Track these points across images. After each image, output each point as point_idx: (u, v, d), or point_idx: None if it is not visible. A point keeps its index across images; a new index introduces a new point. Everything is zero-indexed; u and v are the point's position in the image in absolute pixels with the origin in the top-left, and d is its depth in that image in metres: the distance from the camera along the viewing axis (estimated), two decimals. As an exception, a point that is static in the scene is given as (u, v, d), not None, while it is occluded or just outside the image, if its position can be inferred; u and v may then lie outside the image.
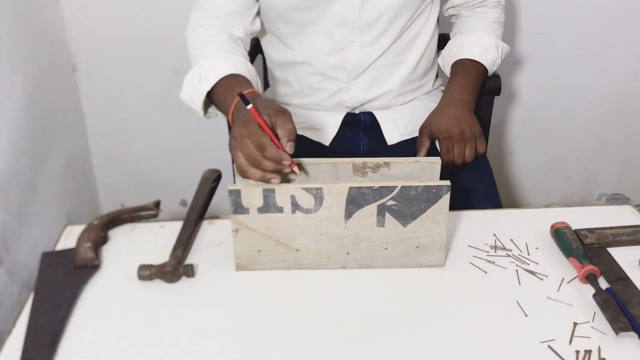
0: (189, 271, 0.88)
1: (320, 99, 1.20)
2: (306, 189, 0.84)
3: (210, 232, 1.00)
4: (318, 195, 0.85)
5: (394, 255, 0.89)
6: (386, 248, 0.88)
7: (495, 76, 1.26)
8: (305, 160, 0.91)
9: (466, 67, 1.17)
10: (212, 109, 1.07)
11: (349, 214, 0.86)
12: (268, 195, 0.85)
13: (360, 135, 1.22)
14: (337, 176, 0.91)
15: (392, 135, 1.20)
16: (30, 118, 1.42)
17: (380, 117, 1.20)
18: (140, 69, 1.73)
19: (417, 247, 0.88)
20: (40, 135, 1.48)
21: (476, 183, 1.14)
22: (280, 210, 0.86)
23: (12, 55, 1.35)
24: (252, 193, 0.85)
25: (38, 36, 1.51)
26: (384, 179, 0.92)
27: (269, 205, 0.86)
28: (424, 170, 0.91)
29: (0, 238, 1.24)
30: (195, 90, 1.01)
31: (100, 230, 0.96)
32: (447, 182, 0.84)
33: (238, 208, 0.86)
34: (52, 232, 1.50)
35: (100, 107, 1.78)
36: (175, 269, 0.88)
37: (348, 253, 0.89)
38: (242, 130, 0.84)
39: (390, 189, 0.83)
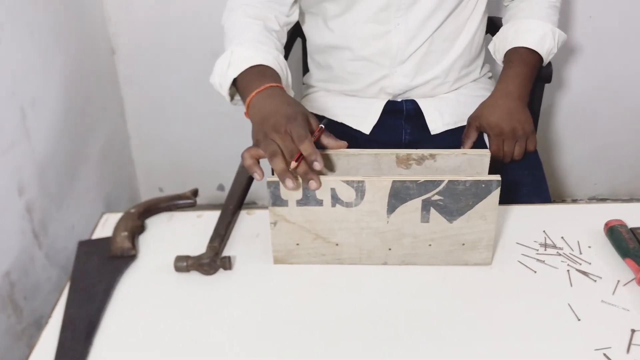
0: (226, 264, 0.86)
1: (361, 85, 1.16)
2: (347, 182, 0.81)
3: (248, 223, 0.97)
4: (359, 189, 0.81)
5: (438, 252, 0.85)
6: (430, 245, 0.85)
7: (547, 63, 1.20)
8: (345, 151, 0.88)
9: (521, 56, 1.11)
10: (239, 98, 1.05)
11: (391, 208, 0.82)
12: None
13: (402, 124, 1.17)
14: (379, 168, 0.88)
15: (436, 124, 1.15)
16: (69, 101, 1.42)
17: (423, 105, 1.16)
18: (179, 52, 1.71)
19: (463, 244, 0.84)
20: (79, 119, 1.47)
21: (525, 177, 1.09)
22: (319, 203, 0.83)
23: (51, 38, 1.34)
24: (285, 190, 0.82)
25: (77, 19, 1.50)
26: (429, 172, 0.88)
27: (308, 198, 0.83)
28: (472, 164, 0.87)
29: (39, 222, 1.24)
30: (223, 76, 0.99)
31: (137, 219, 0.94)
32: (498, 177, 0.79)
33: (277, 200, 0.83)
34: (91, 216, 1.51)
35: (139, 90, 1.77)
36: (212, 261, 0.86)
37: (390, 249, 0.86)
38: (271, 127, 0.83)
39: (436, 183, 0.80)
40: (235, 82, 0.98)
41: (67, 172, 1.39)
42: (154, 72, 1.74)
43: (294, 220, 0.85)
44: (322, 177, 0.81)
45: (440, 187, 0.80)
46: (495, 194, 0.80)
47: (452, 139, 1.15)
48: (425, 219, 0.83)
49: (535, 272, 0.86)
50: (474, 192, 0.80)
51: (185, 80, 1.75)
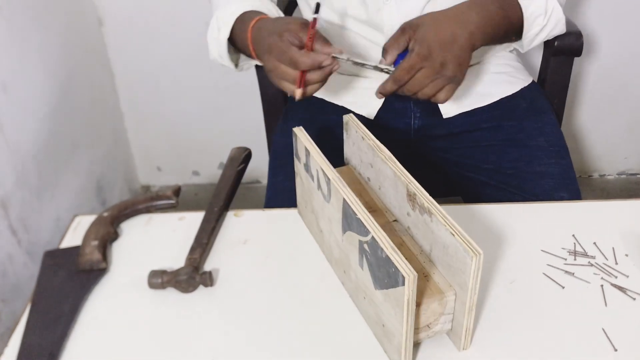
0: (207, 280, 0.75)
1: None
2: (324, 172, 0.71)
3: (236, 227, 0.86)
4: (328, 185, 0.71)
5: (370, 313, 0.68)
6: (364, 298, 0.69)
7: (577, 34, 1.06)
8: (383, 151, 0.74)
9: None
10: (243, 59, 0.96)
11: (344, 228, 0.70)
12: (309, 155, 0.75)
13: (410, 106, 1.03)
14: (396, 189, 0.73)
15: (449, 107, 1.01)
16: (51, 81, 1.31)
17: (434, 85, 1.01)
18: (171, 21, 1.58)
19: (383, 325, 0.66)
20: (63, 99, 1.36)
21: (550, 166, 0.95)
22: (312, 178, 0.76)
23: (26, 13, 1.22)
24: (300, 144, 0.77)
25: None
26: (422, 229, 0.69)
27: (309, 166, 0.76)
28: (457, 254, 0.62)
29: (17, 217, 1.14)
30: (218, 44, 0.90)
31: (109, 225, 0.84)
32: (411, 273, 0.57)
33: (296, 151, 0.79)
34: (79, 204, 1.41)
35: (130, 63, 1.65)
36: (191, 277, 0.75)
37: (344, 272, 0.74)
38: (271, 59, 0.78)
39: (365, 230, 0.63)
40: (234, 45, 0.91)
41: (50, 159, 1.29)
42: (145, 44, 1.61)
43: (304, 179, 0.79)
44: (316, 154, 0.74)
45: (368, 238, 0.64)
46: (401, 290, 0.58)
47: (468, 123, 1.01)
48: (361, 263, 0.68)
49: (563, 287, 0.74)
50: (387, 271, 0.60)
51: (179, 52, 1.63)
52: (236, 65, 0.96)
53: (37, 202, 1.22)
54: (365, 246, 0.65)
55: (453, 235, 0.62)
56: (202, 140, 1.78)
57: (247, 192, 1.65)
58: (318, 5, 0.80)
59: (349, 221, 0.68)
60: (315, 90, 0.81)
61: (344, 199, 0.67)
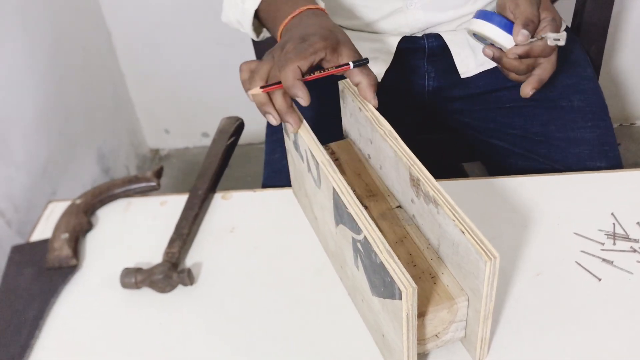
0: (186, 279, 0.67)
1: (369, 20, 0.89)
2: (312, 154, 0.61)
3: (223, 211, 0.77)
4: (317, 169, 0.61)
5: (369, 319, 0.60)
6: (362, 300, 0.60)
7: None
8: (382, 123, 0.62)
9: None
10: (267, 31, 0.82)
11: (336, 220, 0.59)
12: (297, 133, 0.64)
13: (424, 65, 0.90)
14: (397, 171, 0.62)
15: (467, 65, 0.87)
16: (37, 39, 1.20)
17: (451, 40, 0.87)
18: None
19: (383, 335, 0.57)
20: (53, 60, 1.26)
21: (586, 130, 0.81)
22: (302, 158, 0.66)
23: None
24: None
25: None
26: (423, 217, 0.59)
27: (297, 145, 0.66)
28: (468, 256, 0.51)
29: (3, 196, 1.07)
30: (240, 11, 0.77)
31: (82, 214, 0.75)
32: (410, 286, 0.47)
33: (284, 125, 0.67)
34: (78, 175, 1.33)
35: (126, 21, 1.53)
36: (168, 276, 0.66)
37: (341, 267, 0.64)
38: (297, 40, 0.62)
39: (357, 228, 0.53)
40: (256, 14, 0.77)
41: (38, 130, 1.20)
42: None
43: (295, 158, 0.69)
44: (305, 132, 0.62)
45: (360, 238, 0.53)
46: (399, 304, 0.48)
47: (489, 82, 0.88)
48: (356, 263, 0.57)
49: (600, 279, 0.63)
50: (383, 280, 0.50)
51: (179, 5, 1.50)
52: (257, 33, 0.82)
53: (27, 177, 1.14)
54: (359, 245, 0.54)
55: (463, 233, 0.51)
56: (209, 99, 1.67)
57: (258, 152, 1.54)
58: (364, 61, 0.64)
59: (341, 214, 0.57)
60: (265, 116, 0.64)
61: (334, 189, 0.56)
